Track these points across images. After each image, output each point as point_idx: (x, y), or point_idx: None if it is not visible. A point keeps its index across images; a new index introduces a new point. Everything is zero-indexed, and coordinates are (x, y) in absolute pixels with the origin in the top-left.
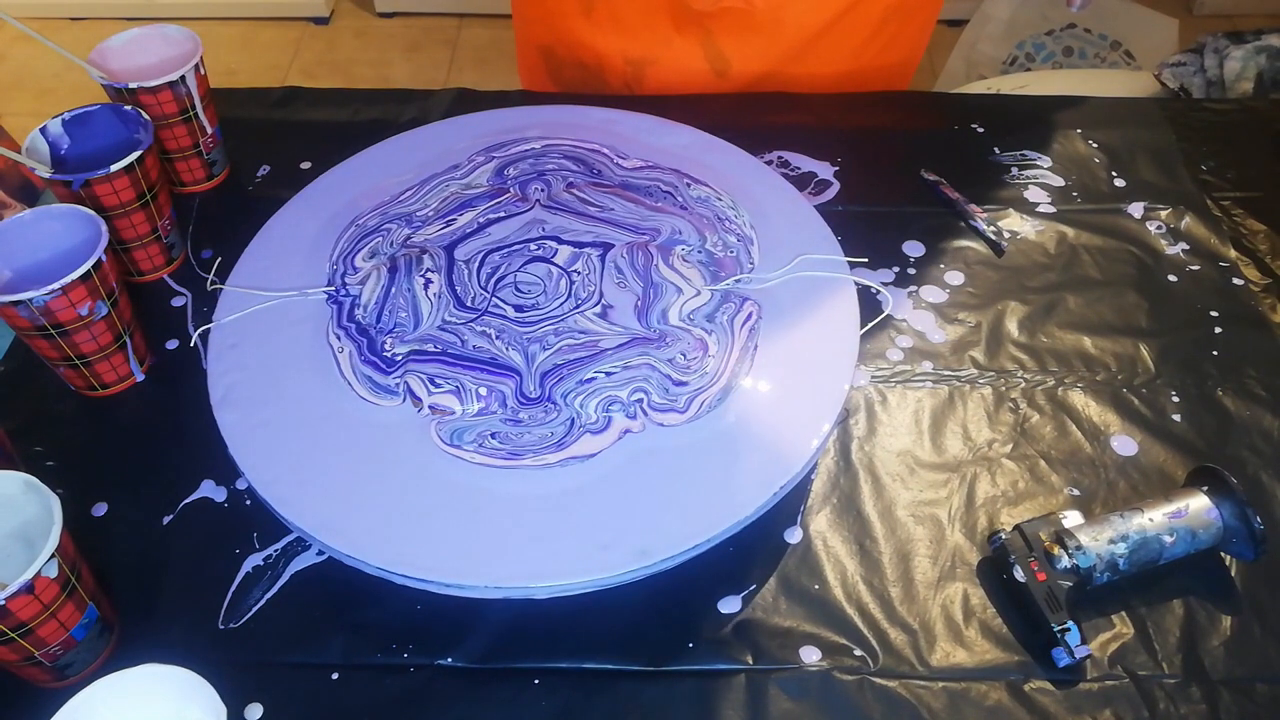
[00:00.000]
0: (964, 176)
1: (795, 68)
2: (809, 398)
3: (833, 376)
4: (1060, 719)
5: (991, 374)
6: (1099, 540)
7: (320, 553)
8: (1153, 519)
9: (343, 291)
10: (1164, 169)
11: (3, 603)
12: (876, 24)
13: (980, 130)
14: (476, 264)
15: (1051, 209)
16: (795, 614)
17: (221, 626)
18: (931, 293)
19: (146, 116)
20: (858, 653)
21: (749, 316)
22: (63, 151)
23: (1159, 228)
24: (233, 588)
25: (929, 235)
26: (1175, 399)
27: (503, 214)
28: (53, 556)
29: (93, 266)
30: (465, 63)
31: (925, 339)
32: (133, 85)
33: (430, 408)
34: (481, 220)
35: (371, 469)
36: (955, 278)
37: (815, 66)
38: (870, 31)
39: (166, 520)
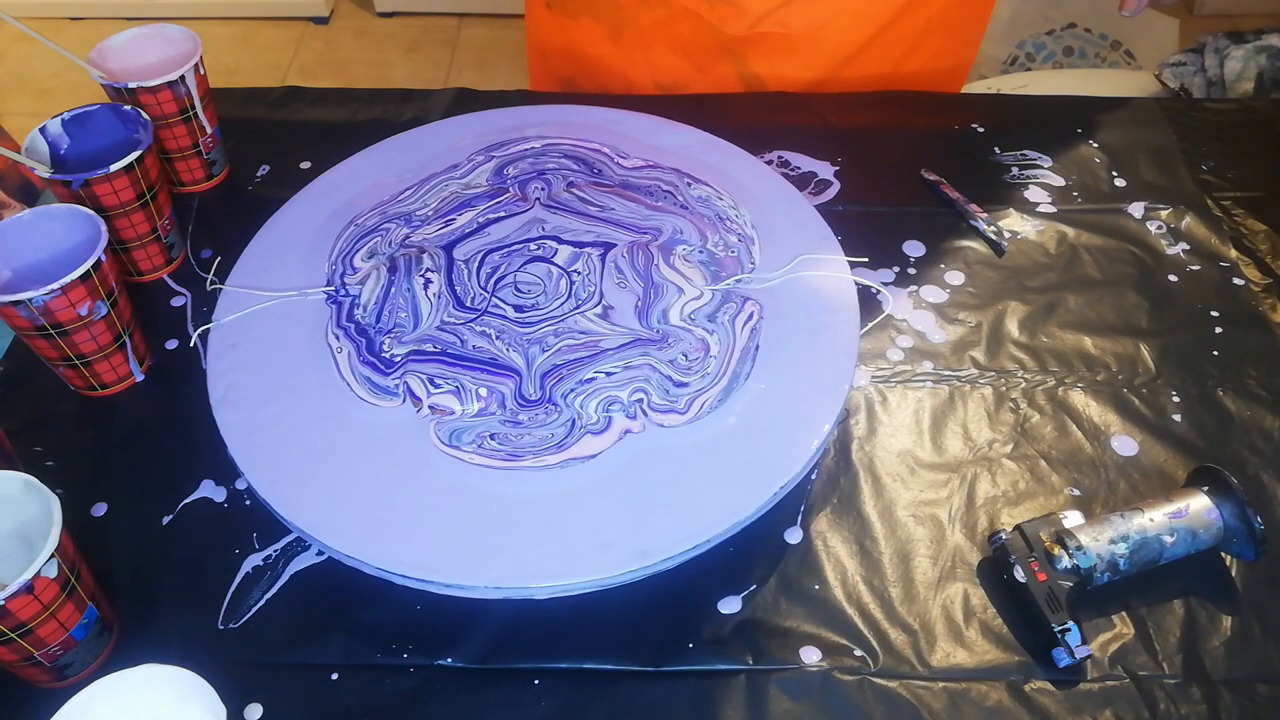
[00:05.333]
0: (964, 176)
1: (832, 85)
2: (809, 398)
3: (833, 376)
4: (1060, 719)
5: (992, 374)
6: (1099, 540)
7: (320, 553)
8: (1153, 519)
9: (342, 291)
10: (1164, 169)
11: (2, 603)
12: (917, 36)
13: (980, 130)
14: (476, 264)
15: (1052, 209)
16: (795, 614)
17: (221, 626)
18: (931, 293)
19: (146, 116)
20: (858, 653)
21: (750, 316)
22: (62, 151)
23: (1159, 228)
24: (232, 588)
25: (929, 235)
26: (1175, 399)
27: (502, 214)
28: (52, 556)
29: (92, 266)
30: (465, 62)
31: (925, 339)
32: (132, 85)
33: (430, 407)
34: (481, 220)
35: (371, 469)
36: (955, 278)
37: (854, 80)
38: (910, 44)
39: (166, 520)
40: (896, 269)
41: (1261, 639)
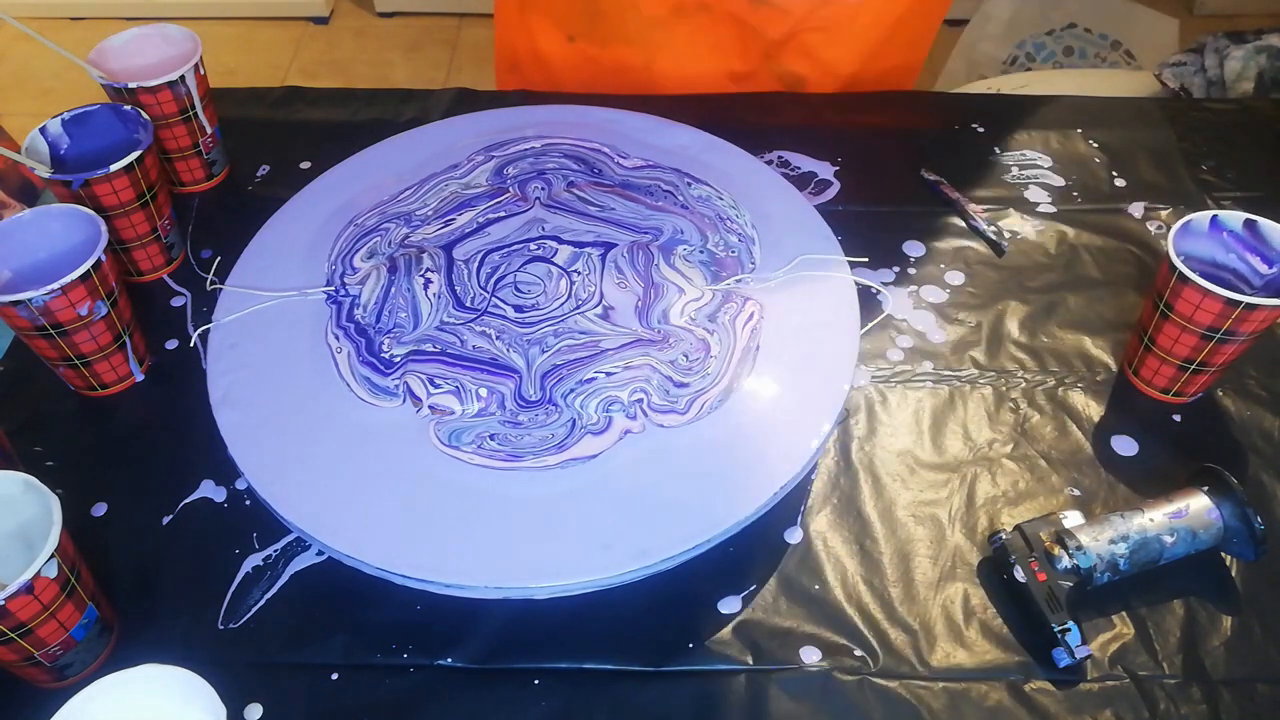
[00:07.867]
0: (964, 176)
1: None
2: (809, 398)
3: (833, 376)
4: (1060, 719)
5: (992, 374)
6: (1099, 540)
7: (320, 553)
8: (1153, 519)
9: (342, 291)
10: (1164, 169)
11: (2, 603)
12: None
13: (980, 130)
14: (476, 264)
15: (1052, 209)
16: (795, 614)
17: (221, 627)
18: (932, 293)
19: (146, 116)
20: (858, 653)
21: (751, 316)
22: (62, 151)
23: (1159, 228)
24: (232, 588)
25: (929, 235)
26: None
27: (502, 213)
28: (52, 556)
29: (92, 266)
30: (465, 62)
31: (925, 339)
32: (132, 85)
33: (430, 408)
34: (481, 220)
35: (371, 469)
36: (955, 278)
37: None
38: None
39: (166, 520)
40: (896, 269)
41: (1261, 639)
